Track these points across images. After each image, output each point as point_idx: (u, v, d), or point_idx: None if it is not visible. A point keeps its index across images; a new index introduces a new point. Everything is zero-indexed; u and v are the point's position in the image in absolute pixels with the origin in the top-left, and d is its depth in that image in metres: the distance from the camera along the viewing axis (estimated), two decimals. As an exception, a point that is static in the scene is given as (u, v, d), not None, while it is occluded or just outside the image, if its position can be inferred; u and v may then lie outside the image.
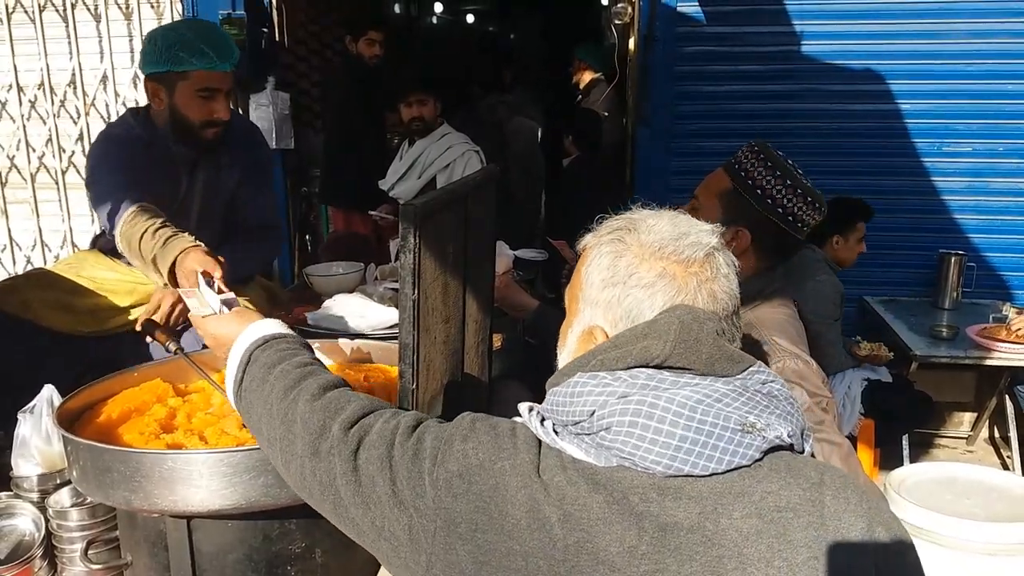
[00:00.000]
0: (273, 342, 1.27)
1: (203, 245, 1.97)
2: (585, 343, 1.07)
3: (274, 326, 1.32)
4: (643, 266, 1.03)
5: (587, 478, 0.94)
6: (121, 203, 2.17)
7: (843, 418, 3.57)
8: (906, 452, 3.68)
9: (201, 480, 1.32)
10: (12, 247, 4.71)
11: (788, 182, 1.61)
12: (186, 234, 2.02)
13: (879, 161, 4.22)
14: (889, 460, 3.65)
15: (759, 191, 1.62)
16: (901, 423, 3.68)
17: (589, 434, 0.96)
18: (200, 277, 1.39)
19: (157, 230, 2.04)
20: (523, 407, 1.07)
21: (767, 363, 1.47)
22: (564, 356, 1.12)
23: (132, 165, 2.34)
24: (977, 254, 4.20)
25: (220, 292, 1.58)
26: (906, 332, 3.75)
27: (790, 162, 1.65)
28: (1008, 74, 4.04)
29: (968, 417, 4.47)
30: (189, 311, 1.51)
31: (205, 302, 1.47)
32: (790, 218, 1.63)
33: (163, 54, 2.25)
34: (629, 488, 0.93)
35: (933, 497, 2.60)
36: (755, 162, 1.64)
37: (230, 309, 1.46)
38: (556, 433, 0.99)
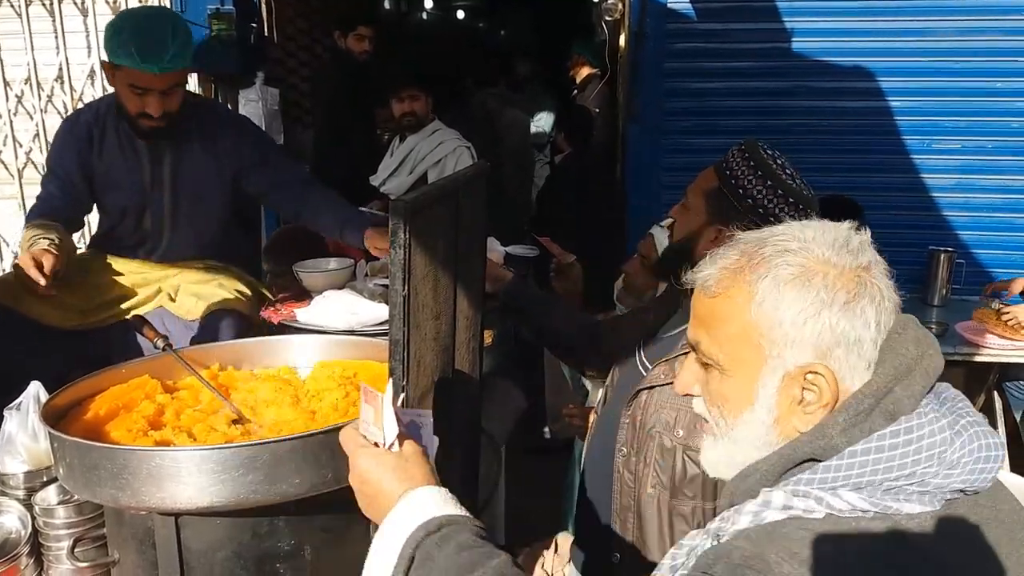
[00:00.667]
0: (449, 531, 0.96)
1: (52, 248, 2.12)
2: (791, 387, 0.94)
3: (442, 501, 1.01)
4: (839, 283, 0.93)
5: (944, 530, 0.87)
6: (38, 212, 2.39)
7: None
8: (895, 449, 3.69)
9: (189, 477, 1.31)
10: (0, 242, 4.68)
11: (769, 183, 1.59)
12: (50, 239, 2.18)
13: (869, 158, 4.23)
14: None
15: (740, 191, 1.60)
16: (891, 420, 3.69)
17: (920, 481, 0.88)
18: (389, 386, 1.11)
19: (31, 236, 2.20)
20: (777, 498, 0.90)
21: None
22: (762, 414, 0.95)
23: (72, 161, 2.43)
24: (966, 251, 4.21)
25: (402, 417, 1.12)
26: (896, 329, 3.76)
27: (779, 162, 1.62)
28: (997, 72, 4.05)
29: (957, 413, 4.49)
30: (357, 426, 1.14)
31: (380, 421, 1.08)
32: (771, 219, 1.58)
33: (106, 42, 2.28)
34: (968, 514, 0.90)
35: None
36: (740, 162, 1.62)
37: (404, 439, 1.09)
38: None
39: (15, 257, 4.61)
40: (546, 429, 4.37)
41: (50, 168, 2.51)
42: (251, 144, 2.56)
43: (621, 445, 1.66)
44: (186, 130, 2.46)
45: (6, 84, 4.43)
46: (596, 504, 1.77)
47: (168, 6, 4.10)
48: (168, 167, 2.47)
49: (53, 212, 2.42)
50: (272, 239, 3.72)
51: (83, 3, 4.30)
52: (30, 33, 4.33)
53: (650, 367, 1.67)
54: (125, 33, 2.24)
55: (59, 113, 4.43)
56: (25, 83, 4.42)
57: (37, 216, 2.40)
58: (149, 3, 4.24)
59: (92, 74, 4.34)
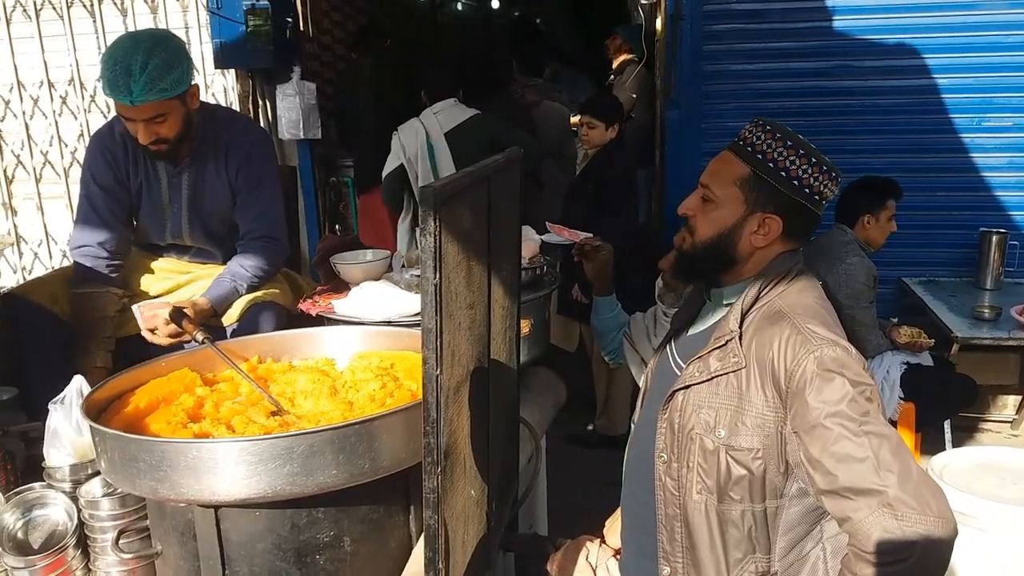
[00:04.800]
0: None
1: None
2: None
3: None
4: None
5: None
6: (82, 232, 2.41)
7: (882, 403, 3.50)
8: (948, 437, 3.60)
9: (227, 469, 1.31)
10: (48, 242, 4.78)
11: (813, 160, 1.50)
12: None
13: (915, 138, 4.12)
14: (930, 445, 3.57)
15: (783, 173, 1.50)
16: (943, 407, 3.59)
17: None
18: None
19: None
20: None
21: (803, 353, 1.40)
22: None
23: (108, 172, 2.41)
24: (1019, 232, 4.08)
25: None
26: (946, 313, 3.66)
27: (799, 135, 1.54)
28: (1051, 45, 3.92)
29: (1012, 400, 4.36)
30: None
31: None
32: (816, 197, 1.52)
33: None
34: None
35: (977, 482, 2.54)
36: (771, 141, 1.51)
37: None
38: None
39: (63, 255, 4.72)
40: (590, 426, 4.36)
41: (85, 181, 2.46)
42: (251, 166, 2.49)
43: (660, 451, 1.59)
44: (203, 149, 2.44)
45: (51, 85, 4.52)
46: (640, 516, 1.69)
47: (204, 3, 4.13)
48: (186, 185, 2.45)
49: (96, 262, 2.41)
50: (320, 252, 3.73)
51: (122, 3, 4.36)
52: (72, 34, 4.42)
53: (684, 366, 1.59)
54: (104, 60, 2.18)
55: (102, 113, 4.51)
56: (69, 84, 4.50)
57: (84, 272, 2.40)
58: (186, 4, 4.29)
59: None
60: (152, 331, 2.17)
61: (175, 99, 2.23)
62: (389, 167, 3.97)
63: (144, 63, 2.13)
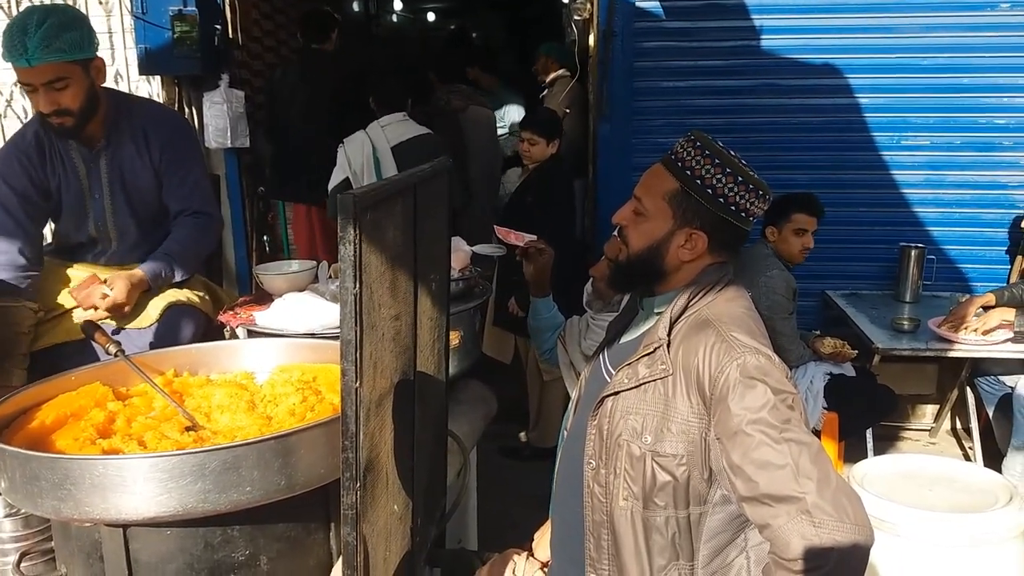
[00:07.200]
0: None
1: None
2: None
3: None
4: None
5: None
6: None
7: (806, 412, 3.57)
8: (870, 445, 3.70)
9: (134, 486, 1.25)
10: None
11: (740, 178, 1.52)
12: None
13: (839, 155, 4.24)
14: (853, 453, 3.66)
15: (709, 190, 1.52)
16: (865, 416, 3.69)
17: None
18: None
19: None
20: None
21: (726, 360, 1.42)
22: None
23: (23, 175, 2.34)
24: (936, 247, 4.23)
25: None
26: (868, 325, 3.77)
27: (731, 151, 1.57)
28: (964, 68, 4.08)
29: (931, 409, 4.51)
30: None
31: None
32: (743, 214, 1.55)
33: None
34: None
35: (897, 489, 2.60)
36: (699, 158, 1.54)
37: None
38: None
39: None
40: (522, 434, 4.35)
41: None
42: (175, 146, 2.45)
43: (589, 457, 1.59)
44: (118, 131, 2.39)
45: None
46: (570, 523, 1.68)
47: (128, 6, 4.01)
48: (104, 168, 2.40)
49: (12, 273, 2.31)
50: None
51: (42, 5, 4.20)
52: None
53: (614, 373, 1.60)
54: (6, 28, 2.17)
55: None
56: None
57: None
58: (109, 8, 4.16)
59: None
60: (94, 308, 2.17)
61: (76, 64, 2.20)
62: (335, 180, 3.87)
63: (40, 21, 2.12)
